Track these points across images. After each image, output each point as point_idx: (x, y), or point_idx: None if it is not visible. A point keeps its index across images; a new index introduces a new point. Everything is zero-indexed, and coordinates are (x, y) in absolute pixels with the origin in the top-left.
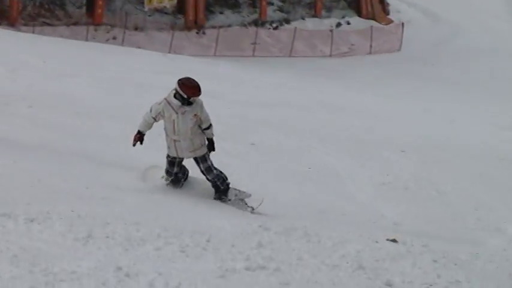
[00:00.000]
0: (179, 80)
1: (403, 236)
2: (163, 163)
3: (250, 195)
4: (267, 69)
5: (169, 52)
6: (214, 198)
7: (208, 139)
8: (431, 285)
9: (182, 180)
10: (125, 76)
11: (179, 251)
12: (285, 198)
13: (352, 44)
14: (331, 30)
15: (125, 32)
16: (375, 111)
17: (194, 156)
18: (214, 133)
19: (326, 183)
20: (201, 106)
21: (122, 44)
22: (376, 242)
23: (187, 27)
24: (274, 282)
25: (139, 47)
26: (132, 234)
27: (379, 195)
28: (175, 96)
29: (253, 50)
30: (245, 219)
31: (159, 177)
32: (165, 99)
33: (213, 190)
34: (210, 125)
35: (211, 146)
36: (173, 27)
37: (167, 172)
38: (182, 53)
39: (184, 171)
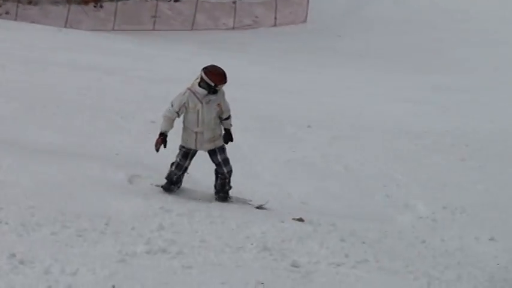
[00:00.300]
0: (204, 67)
1: (310, 215)
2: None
3: (250, 200)
4: (168, 44)
5: (65, 27)
6: (216, 199)
7: (225, 129)
8: (338, 265)
9: (179, 184)
10: (17, 52)
11: (76, 236)
12: (187, 179)
13: (256, 16)
14: (234, 2)
15: (18, 6)
16: (279, 85)
17: (214, 147)
18: (232, 123)
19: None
20: (223, 95)
21: (15, 18)
22: (282, 222)
23: (84, 1)
24: (177, 266)
25: (34, 22)
26: (27, 218)
27: (285, 173)
28: (199, 85)
29: (154, 24)
30: (146, 201)
31: (148, 184)
32: (189, 89)
33: (211, 195)
34: (230, 115)
35: (229, 137)
36: (69, 0)
37: (177, 166)
38: (79, 27)
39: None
